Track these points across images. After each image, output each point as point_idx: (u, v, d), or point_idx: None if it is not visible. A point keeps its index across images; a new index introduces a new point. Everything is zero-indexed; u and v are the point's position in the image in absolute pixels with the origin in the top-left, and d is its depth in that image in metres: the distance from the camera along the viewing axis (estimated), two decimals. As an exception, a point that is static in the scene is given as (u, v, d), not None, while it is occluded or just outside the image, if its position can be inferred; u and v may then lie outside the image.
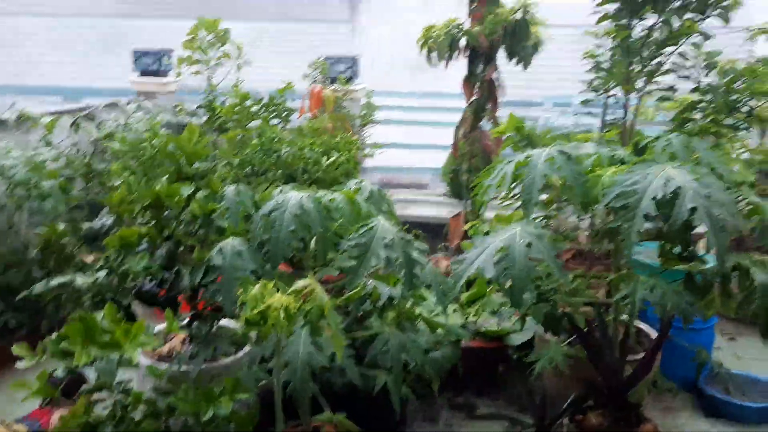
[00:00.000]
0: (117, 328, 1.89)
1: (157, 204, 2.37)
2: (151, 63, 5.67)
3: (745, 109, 2.89)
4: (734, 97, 2.86)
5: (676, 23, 3.06)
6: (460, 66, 4.87)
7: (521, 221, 2.42)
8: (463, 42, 4.60)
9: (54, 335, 1.93)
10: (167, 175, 2.60)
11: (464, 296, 3.89)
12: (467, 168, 4.74)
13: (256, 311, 1.91)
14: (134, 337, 1.91)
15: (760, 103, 3.06)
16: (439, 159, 6.28)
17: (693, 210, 2.10)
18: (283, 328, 1.91)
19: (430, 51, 4.55)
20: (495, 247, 2.27)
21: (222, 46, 5.14)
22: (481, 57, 4.65)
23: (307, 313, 1.99)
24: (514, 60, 4.61)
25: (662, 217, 2.22)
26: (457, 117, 4.99)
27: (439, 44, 4.44)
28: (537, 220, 3.06)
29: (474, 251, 2.34)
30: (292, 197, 2.39)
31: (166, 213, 2.42)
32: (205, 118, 4.46)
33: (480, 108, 4.81)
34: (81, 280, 2.39)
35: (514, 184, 2.53)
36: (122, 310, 2.31)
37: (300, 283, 2.03)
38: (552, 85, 16.13)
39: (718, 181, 2.27)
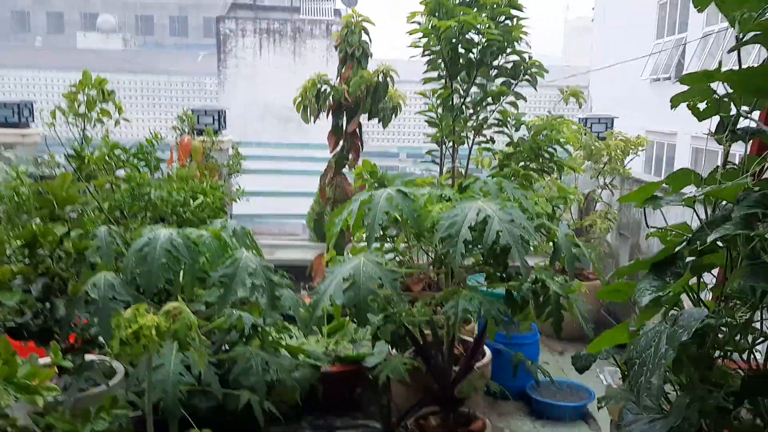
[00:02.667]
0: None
1: (32, 243, 2.55)
2: (11, 115, 5.64)
3: (547, 156, 3.56)
4: (538, 146, 3.51)
5: (491, 87, 3.72)
6: (324, 121, 5.34)
7: (365, 252, 2.86)
8: (330, 99, 5.10)
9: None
10: (40, 218, 2.78)
11: (326, 328, 4.26)
12: (330, 211, 5.16)
13: (130, 330, 2.16)
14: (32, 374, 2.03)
15: (563, 150, 3.77)
16: (306, 206, 6.70)
17: (499, 233, 2.63)
18: (155, 344, 2.17)
19: (305, 108, 4.99)
20: (343, 276, 2.67)
21: (104, 103, 5.26)
22: (345, 112, 5.16)
23: (175, 331, 2.26)
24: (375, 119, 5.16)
25: (477, 241, 2.75)
26: (321, 166, 5.44)
27: (311, 99, 4.89)
28: (386, 254, 3.53)
29: (327, 281, 2.73)
30: (163, 234, 2.67)
31: (40, 251, 2.60)
32: (71, 168, 4.58)
33: (343, 157, 5.30)
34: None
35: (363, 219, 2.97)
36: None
37: (169, 305, 2.31)
38: (408, 137, 17.14)
39: (521, 212, 2.84)
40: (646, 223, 2.27)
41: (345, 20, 5.27)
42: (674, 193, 2.11)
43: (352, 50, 5.17)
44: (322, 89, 5.06)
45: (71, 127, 5.21)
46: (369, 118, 5.26)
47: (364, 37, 5.20)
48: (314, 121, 5.14)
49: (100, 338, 2.70)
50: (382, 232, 3.33)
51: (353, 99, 5.05)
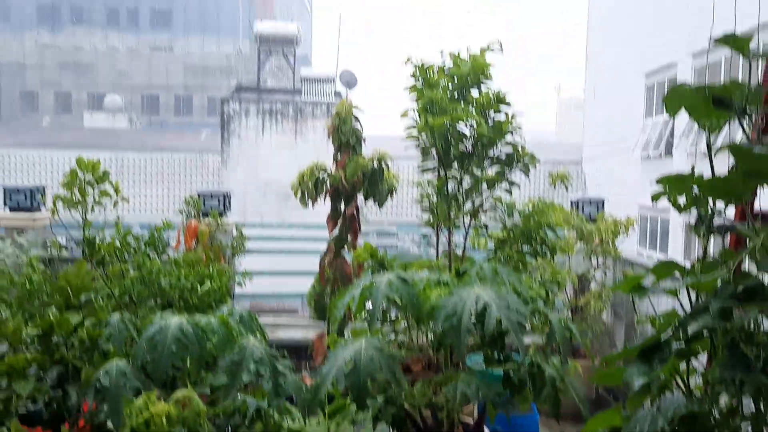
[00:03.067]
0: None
1: (48, 331, 2.66)
2: (23, 200, 5.84)
3: (539, 240, 3.73)
4: (530, 231, 3.69)
5: (485, 174, 3.93)
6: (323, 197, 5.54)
7: (367, 335, 2.97)
8: (328, 184, 5.31)
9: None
10: (55, 306, 2.90)
11: (327, 409, 4.29)
12: (331, 291, 5.28)
13: (141, 419, 2.25)
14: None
15: (553, 234, 3.95)
16: (307, 284, 6.81)
17: (500, 319, 2.75)
18: (166, 432, 2.26)
19: (303, 193, 5.19)
20: (344, 360, 2.77)
21: (100, 185, 5.47)
22: (343, 196, 5.36)
23: (185, 419, 2.35)
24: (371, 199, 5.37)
25: (478, 327, 2.86)
26: (320, 245, 5.60)
27: (308, 185, 5.10)
28: (387, 335, 3.63)
29: (329, 364, 2.83)
30: (173, 322, 2.78)
31: (55, 339, 2.71)
32: (78, 251, 4.74)
33: (342, 240, 5.46)
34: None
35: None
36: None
37: (179, 393, 2.40)
38: (401, 210, 17.38)
39: (517, 297, 2.97)
40: (635, 310, 2.40)
41: (336, 110, 5.55)
42: (659, 281, 2.25)
43: (346, 139, 5.43)
44: (321, 177, 5.28)
45: (74, 210, 5.41)
46: (365, 200, 5.46)
47: (356, 124, 5.47)
48: (312, 206, 5.34)
49: (109, 423, 2.77)
50: (382, 314, 3.45)
51: (350, 184, 5.27)
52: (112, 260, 4.04)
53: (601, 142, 17.35)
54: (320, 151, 16.34)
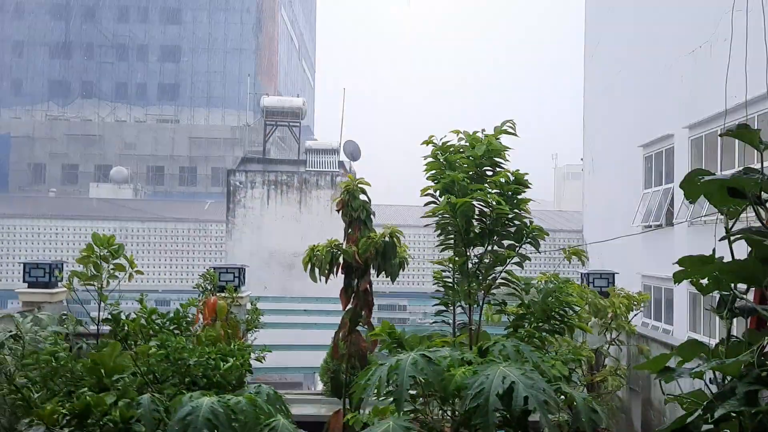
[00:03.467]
0: None
1: (85, 413, 2.71)
2: (42, 275, 5.93)
3: (558, 317, 3.80)
4: (550, 309, 3.77)
5: (500, 250, 4.05)
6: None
7: (394, 416, 3.01)
8: (341, 259, 5.40)
9: None
10: (87, 386, 2.95)
11: (347, 489, 4.25)
12: (346, 368, 5.29)
13: (180, 503, 2.27)
14: None
15: (573, 311, 4.02)
16: (313, 358, 6.82)
17: (526, 398, 2.80)
18: None
19: (313, 267, 5.28)
20: (374, 443, 2.81)
21: (115, 259, 5.58)
22: (356, 272, 5.45)
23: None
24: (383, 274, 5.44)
25: (504, 406, 2.91)
26: (331, 319, 5.64)
27: (321, 261, 5.20)
28: (407, 413, 3.65)
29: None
30: (204, 403, 2.83)
31: (89, 421, 2.75)
32: (92, 327, 4.81)
33: (357, 314, 5.51)
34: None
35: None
36: None
37: (216, 477, 2.43)
38: (411, 279, 17.40)
39: (540, 376, 3.03)
40: (662, 391, 2.45)
41: (343, 186, 5.70)
42: (684, 362, 2.31)
43: (357, 214, 5.56)
44: (334, 253, 5.38)
45: (89, 284, 5.49)
46: (377, 275, 5.54)
47: (365, 198, 5.61)
48: (326, 282, 5.42)
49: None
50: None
51: (363, 259, 5.37)
52: (137, 337, 4.10)
53: (601, 212, 17.59)
54: (324, 221, 16.59)
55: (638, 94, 14.93)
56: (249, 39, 43.10)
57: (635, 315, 5.28)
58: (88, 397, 2.73)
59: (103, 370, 2.98)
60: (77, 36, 42.46)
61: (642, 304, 5.23)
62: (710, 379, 2.12)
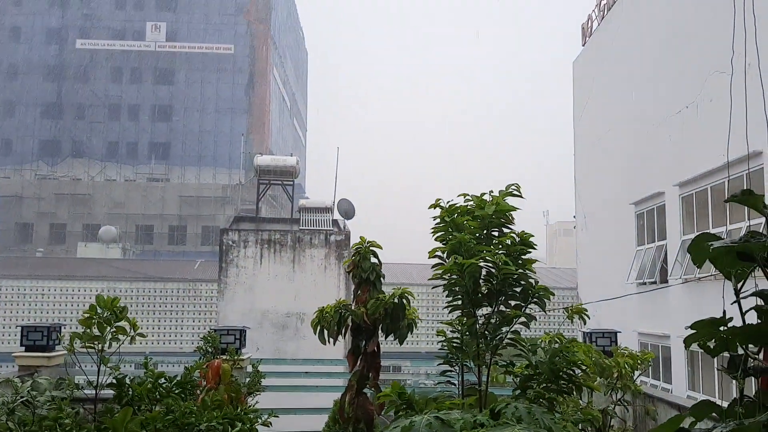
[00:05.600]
0: None
1: (99, 483, 2.66)
2: (40, 338, 5.86)
3: (566, 377, 3.81)
4: (558, 369, 3.78)
5: (507, 310, 4.08)
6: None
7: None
8: (350, 321, 5.41)
9: None
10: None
11: None
12: (352, 431, 5.22)
13: None
14: None
15: (581, 371, 4.03)
16: (315, 422, 6.71)
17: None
18: None
19: (322, 329, 5.28)
20: None
21: (118, 321, 5.54)
22: (364, 333, 5.44)
23: None
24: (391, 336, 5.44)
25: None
26: (332, 381, 5.59)
27: (329, 322, 5.20)
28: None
29: None
30: (219, 470, 2.80)
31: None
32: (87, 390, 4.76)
33: (364, 377, 5.47)
34: None
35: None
36: None
37: None
38: (414, 338, 17.22)
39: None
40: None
41: (355, 248, 5.76)
42: (696, 422, 2.34)
43: (366, 275, 5.59)
44: (343, 314, 5.39)
45: (89, 347, 5.42)
46: (386, 337, 5.53)
47: (374, 260, 5.66)
48: (333, 343, 5.39)
49: None
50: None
51: (371, 320, 5.37)
52: (141, 402, 4.06)
53: (595, 269, 17.69)
54: (318, 280, 16.51)
55: (628, 153, 15.23)
56: (241, 98, 43.83)
57: (639, 375, 5.28)
58: (103, 466, 2.69)
59: (115, 438, 2.95)
60: (69, 96, 42.99)
61: (649, 363, 5.24)
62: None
